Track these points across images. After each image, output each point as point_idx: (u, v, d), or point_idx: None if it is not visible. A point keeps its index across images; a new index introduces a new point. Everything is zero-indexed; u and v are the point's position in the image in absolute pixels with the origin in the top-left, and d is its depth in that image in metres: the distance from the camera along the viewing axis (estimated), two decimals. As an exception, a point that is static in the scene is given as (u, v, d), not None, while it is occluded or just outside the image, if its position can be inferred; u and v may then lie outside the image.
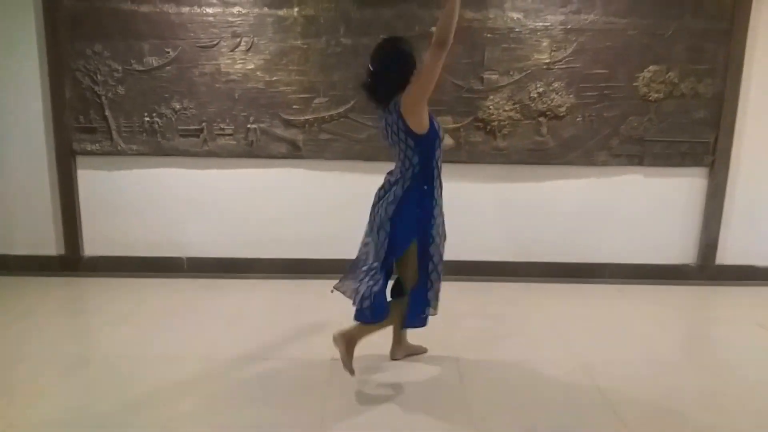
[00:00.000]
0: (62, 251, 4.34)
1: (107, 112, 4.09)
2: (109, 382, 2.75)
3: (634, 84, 4.06)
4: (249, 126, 4.10)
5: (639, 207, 4.31)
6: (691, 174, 4.25)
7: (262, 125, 4.10)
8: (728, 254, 4.36)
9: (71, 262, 4.33)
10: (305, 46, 3.99)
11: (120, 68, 4.02)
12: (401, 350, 3.01)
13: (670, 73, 4.04)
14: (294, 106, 4.08)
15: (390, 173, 2.70)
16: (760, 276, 4.38)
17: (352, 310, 2.64)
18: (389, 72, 2.56)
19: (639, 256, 4.38)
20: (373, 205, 2.71)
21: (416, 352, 3.06)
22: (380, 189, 2.71)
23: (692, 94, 4.08)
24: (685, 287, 4.28)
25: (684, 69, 4.04)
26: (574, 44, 4.01)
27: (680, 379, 2.88)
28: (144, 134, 4.12)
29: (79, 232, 4.30)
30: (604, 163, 4.20)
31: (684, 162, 4.20)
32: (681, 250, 4.39)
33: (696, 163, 4.20)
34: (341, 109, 4.07)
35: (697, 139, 4.16)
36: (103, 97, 4.07)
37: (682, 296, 4.14)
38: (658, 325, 3.57)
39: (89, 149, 4.16)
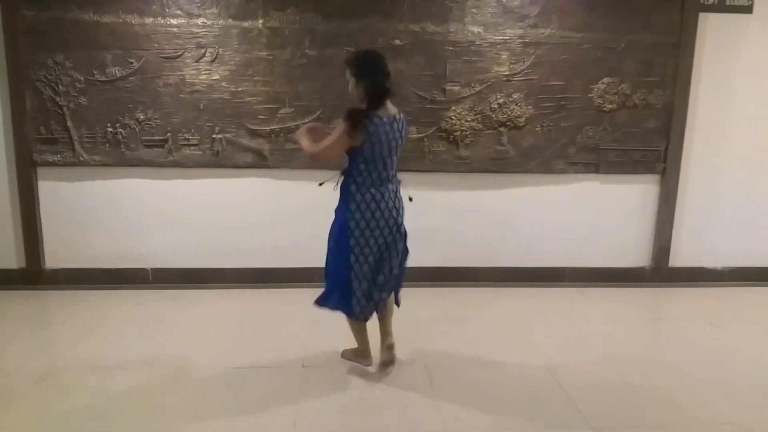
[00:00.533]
0: (23, 264, 4.27)
1: (69, 123, 4.05)
2: (78, 393, 2.73)
3: (589, 95, 4.23)
4: (214, 136, 4.12)
5: (596, 213, 4.48)
6: (644, 181, 4.44)
7: (227, 135, 4.12)
8: (680, 257, 4.56)
9: (32, 275, 4.27)
10: (270, 58, 4.04)
11: (82, 78, 3.99)
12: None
13: (622, 85, 4.22)
14: (260, 117, 4.12)
15: (389, 181, 2.80)
16: (710, 277, 4.59)
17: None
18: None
19: (596, 260, 4.54)
20: (390, 217, 2.80)
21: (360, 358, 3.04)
22: (390, 199, 2.79)
23: (644, 104, 4.27)
24: (640, 289, 4.46)
25: (636, 81, 4.23)
26: (532, 57, 4.16)
27: (638, 375, 3.01)
28: (107, 145, 4.09)
29: (40, 245, 4.24)
30: (562, 171, 4.36)
31: (637, 169, 4.38)
32: (636, 254, 4.57)
33: (648, 170, 4.39)
34: (307, 119, 4.12)
35: (649, 148, 4.35)
36: (65, 108, 4.03)
37: (638, 297, 4.30)
38: (616, 325, 3.73)
39: (50, 160, 4.11)
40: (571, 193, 4.44)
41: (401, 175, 2.94)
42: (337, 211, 2.83)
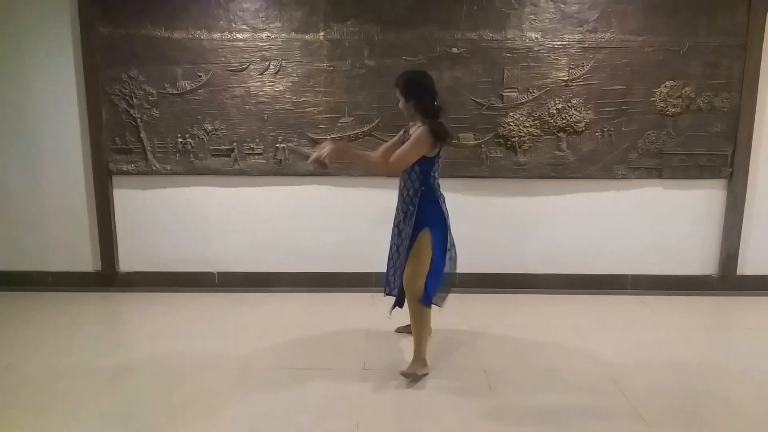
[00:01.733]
0: (99, 267, 4.51)
1: (142, 134, 4.27)
2: (149, 392, 2.88)
3: (652, 99, 4.16)
4: (278, 145, 4.26)
5: (659, 219, 4.38)
6: (710, 186, 4.32)
7: (290, 144, 4.26)
8: (749, 265, 4.41)
9: (107, 277, 4.51)
10: (331, 69, 4.15)
11: (154, 92, 4.21)
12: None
13: (686, 88, 4.13)
14: (320, 126, 4.23)
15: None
16: (780, 286, 4.42)
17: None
18: None
19: (660, 268, 4.44)
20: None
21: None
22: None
23: (709, 108, 4.16)
24: (706, 298, 4.33)
25: (700, 84, 4.13)
26: (592, 62, 4.13)
27: (704, 385, 2.94)
28: (177, 154, 4.30)
29: (114, 249, 4.48)
30: (624, 177, 4.29)
31: (702, 174, 4.27)
32: (702, 261, 4.44)
33: (714, 175, 4.28)
34: (366, 128, 4.21)
35: (715, 152, 4.23)
36: (139, 120, 4.25)
37: (704, 306, 4.19)
38: (681, 334, 3.64)
39: (125, 169, 4.34)
40: (634, 198, 4.36)
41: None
42: (419, 223, 3.01)
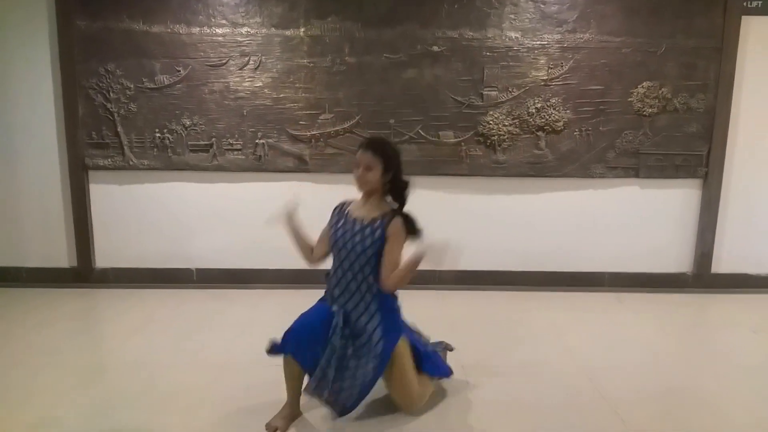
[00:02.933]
0: (74, 263, 4.46)
1: (119, 129, 4.22)
2: (126, 389, 2.84)
3: (629, 99, 4.21)
4: (257, 141, 4.24)
5: (636, 217, 4.44)
6: (686, 185, 4.39)
7: (269, 140, 4.24)
8: (723, 263, 4.49)
9: (83, 273, 4.45)
10: (311, 65, 4.14)
11: (132, 86, 4.17)
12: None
13: (663, 89, 4.19)
14: (301, 122, 4.22)
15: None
16: (753, 284, 4.50)
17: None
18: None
19: (636, 265, 4.50)
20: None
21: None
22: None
23: (685, 108, 4.23)
24: (681, 295, 4.40)
25: (677, 85, 4.19)
26: (571, 62, 4.16)
27: (678, 380, 2.99)
28: (155, 149, 4.25)
29: (91, 245, 4.43)
30: (601, 176, 4.34)
31: (678, 174, 4.34)
32: (677, 259, 4.51)
33: (690, 174, 4.34)
34: (346, 125, 4.21)
35: (691, 152, 4.30)
36: (116, 114, 4.21)
37: (679, 303, 4.25)
38: (657, 331, 3.69)
39: (101, 164, 4.29)
40: (611, 197, 4.42)
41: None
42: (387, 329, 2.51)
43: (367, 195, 2.53)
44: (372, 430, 2.51)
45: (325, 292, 2.67)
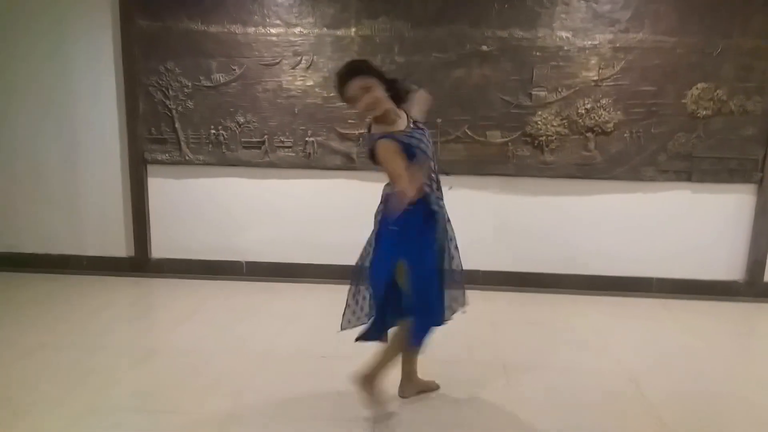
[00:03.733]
0: (132, 253, 4.66)
1: (177, 125, 4.40)
2: (176, 372, 2.99)
3: (682, 101, 4.13)
4: (307, 139, 4.34)
5: (687, 222, 4.35)
6: (740, 190, 4.27)
7: (319, 138, 4.34)
8: (777, 271, 4.36)
9: (140, 263, 4.65)
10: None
11: (190, 84, 4.33)
12: (411, 387, 2.80)
13: (718, 91, 4.09)
14: (349, 121, 4.30)
15: (438, 190, 2.56)
16: (809, 294, 4.35)
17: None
18: None
19: (686, 271, 4.41)
20: (446, 225, 2.59)
21: (427, 388, 2.84)
22: (442, 206, 2.56)
23: (741, 111, 4.11)
24: (732, 303, 4.29)
25: (732, 87, 4.08)
26: (623, 62, 4.11)
27: (724, 387, 2.95)
28: (210, 145, 4.41)
29: (148, 236, 4.62)
30: (652, 179, 4.27)
31: (732, 178, 4.23)
32: (729, 267, 4.40)
33: (744, 179, 4.23)
34: (394, 124, 4.26)
35: (746, 156, 4.18)
36: (174, 111, 4.38)
37: (729, 312, 4.15)
38: (704, 338, 3.62)
39: (159, 159, 4.48)
40: (661, 201, 4.33)
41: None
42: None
43: (385, 116, 2.36)
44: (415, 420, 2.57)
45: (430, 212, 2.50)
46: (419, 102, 2.63)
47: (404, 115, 2.44)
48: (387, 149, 2.30)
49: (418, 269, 2.43)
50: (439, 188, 2.54)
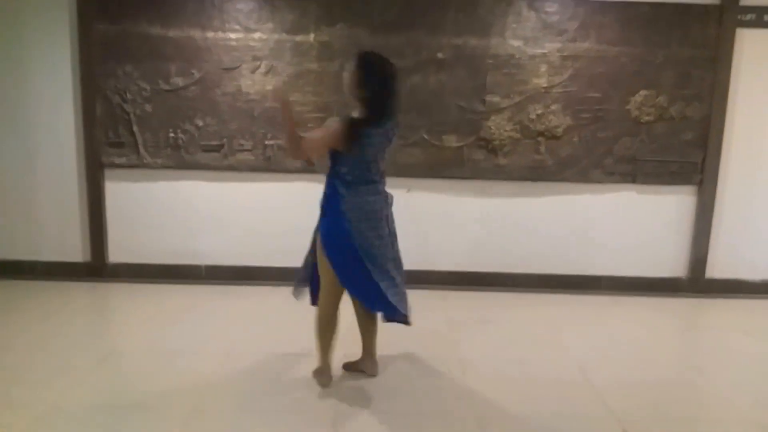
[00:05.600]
0: (88, 258, 4.61)
1: (135, 128, 4.39)
2: (137, 374, 3.00)
3: (627, 107, 4.35)
4: (267, 142, 4.40)
5: (632, 222, 4.57)
6: (681, 192, 4.51)
7: (279, 142, 4.39)
8: (717, 268, 4.60)
9: (96, 268, 4.60)
10: (320, 70, 4.31)
11: (148, 87, 4.34)
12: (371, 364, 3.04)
13: (660, 98, 4.33)
14: (309, 125, 4.36)
15: (382, 183, 2.80)
16: (746, 289, 4.61)
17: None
18: None
19: (632, 269, 4.62)
20: (384, 217, 2.75)
21: (364, 369, 3.03)
22: (383, 199, 2.78)
23: (681, 116, 4.36)
24: (676, 299, 4.51)
25: (673, 94, 4.33)
26: (570, 70, 4.31)
27: (668, 376, 3.13)
28: (168, 149, 4.42)
29: (104, 240, 4.59)
30: (599, 181, 4.47)
31: (674, 180, 4.46)
32: (672, 264, 4.63)
33: (685, 181, 4.47)
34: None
35: (686, 159, 4.43)
36: (132, 114, 4.37)
37: (674, 307, 4.36)
38: (650, 332, 3.81)
39: (117, 162, 4.46)
40: (608, 202, 4.54)
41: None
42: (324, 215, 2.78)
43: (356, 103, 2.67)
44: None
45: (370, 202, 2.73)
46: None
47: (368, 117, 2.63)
48: (329, 123, 2.65)
49: (334, 249, 2.68)
50: (379, 181, 2.76)
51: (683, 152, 4.42)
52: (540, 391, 2.90)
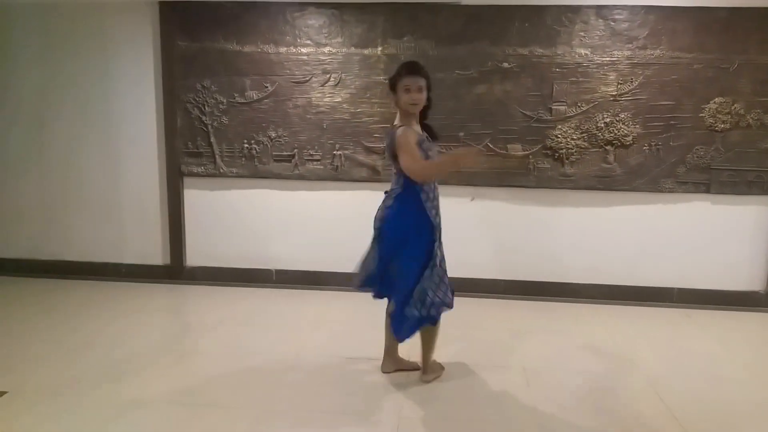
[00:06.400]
0: (168, 261, 4.89)
1: (212, 139, 4.64)
2: (213, 371, 3.17)
3: (700, 115, 4.23)
4: (335, 152, 4.55)
5: (706, 233, 4.42)
6: (758, 202, 4.33)
7: (346, 152, 4.54)
8: (797, 282, 4.39)
9: (175, 271, 4.88)
10: (387, 82, 4.37)
11: (225, 101, 4.57)
12: (390, 363, 3.18)
13: (736, 105, 4.18)
14: (375, 135, 4.49)
15: (435, 200, 2.91)
16: (830, 304, 4.37)
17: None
18: None
19: (707, 282, 4.47)
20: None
21: (407, 367, 3.18)
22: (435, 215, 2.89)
23: (758, 124, 4.20)
24: (753, 313, 4.33)
25: (750, 101, 4.18)
26: (641, 77, 4.23)
27: (742, 394, 3.02)
28: (243, 159, 4.64)
29: (183, 245, 4.85)
30: (671, 190, 4.36)
31: (751, 190, 4.30)
32: (749, 277, 4.45)
33: (763, 191, 4.29)
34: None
35: (764, 168, 4.25)
36: (209, 126, 4.63)
37: (750, 322, 4.19)
38: (724, 347, 3.68)
39: (195, 171, 4.72)
40: (681, 212, 4.42)
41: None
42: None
43: (413, 115, 2.81)
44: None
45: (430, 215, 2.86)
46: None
47: (418, 127, 2.86)
48: (406, 135, 2.71)
49: (404, 259, 2.84)
50: (435, 198, 2.88)
51: (760, 161, 4.25)
52: (607, 404, 2.87)
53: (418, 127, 2.84)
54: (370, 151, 4.52)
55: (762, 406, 2.89)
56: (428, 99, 2.84)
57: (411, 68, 2.78)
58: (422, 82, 2.75)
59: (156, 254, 4.92)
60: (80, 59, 4.70)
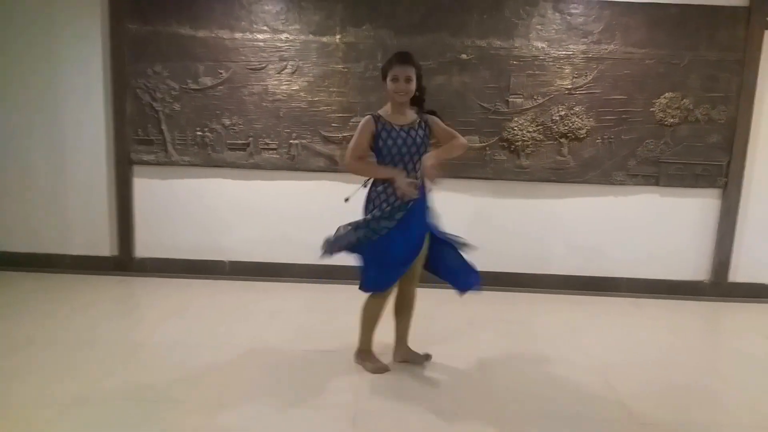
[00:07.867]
0: (116, 252, 4.72)
1: (163, 126, 4.49)
2: (163, 365, 3.07)
3: (651, 109, 4.34)
4: (291, 142, 4.46)
5: (655, 225, 4.55)
6: (705, 195, 4.49)
7: (303, 141, 4.46)
8: (740, 272, 4.57)
9: (123, 262, 4.71)
10: (345, 70, 4.36)
11: (177, 87, 4.43)
12: (398, 353, 3.20)
13: (685, 100, 4.31)
14: (333, 124, 4.44)
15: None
16: (770, 293, 4.58)
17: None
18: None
19: (654, 272, 4.61)
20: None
21: (412, 360, 3.17)
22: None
23: (706, 119, 4.34)
24: (698, 302, 4.49)
25: (698, 96, 4.31)
26: (595, 71, 4.31)
27: (688, 378, 3.11)
28: (196, 147, 4.51)
29: (132, 236, 4.69)
30: (622, 183, 4.47)
31: (698, 183, 4.44)
32: (695, 267, 4.61)
33: (710, 184, 4.45)
34: (376, 128, 4.40)
35: (711, 162, 4.40)
36: (161, 113, 4.47)
37: (695, 310, 4.35)
38: (671, 334, 3.80)
39: (145, 159, 4.56)
40: (631, 204, 4.54)
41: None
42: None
43: (401, 104, 2.83)
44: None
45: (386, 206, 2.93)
46: (449, 150, 2.94)
47: (410, 114, 2.88)
48: (361, 124, 2.84)
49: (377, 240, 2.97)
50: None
51: (708, 155, 4.40)
52: (559, 392, 2.92)
53: (406, 117, 2.85)
54: (327, 140, 4.46)
55: (709, 392, 2.99)
56: (422, 88, 2.87)
57: (400, 58, 2.77)
58: (411, 72, 2.75)
59: (103, 245, 4.73)
60: (24, 43, 4.46)
